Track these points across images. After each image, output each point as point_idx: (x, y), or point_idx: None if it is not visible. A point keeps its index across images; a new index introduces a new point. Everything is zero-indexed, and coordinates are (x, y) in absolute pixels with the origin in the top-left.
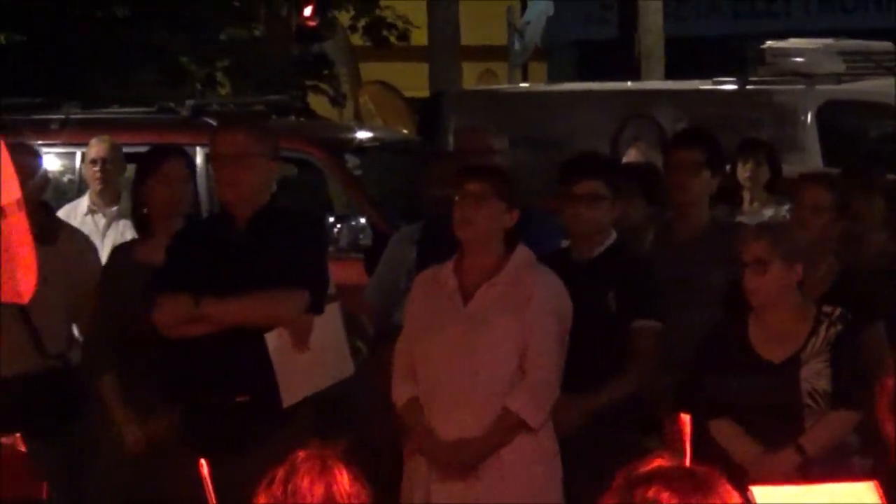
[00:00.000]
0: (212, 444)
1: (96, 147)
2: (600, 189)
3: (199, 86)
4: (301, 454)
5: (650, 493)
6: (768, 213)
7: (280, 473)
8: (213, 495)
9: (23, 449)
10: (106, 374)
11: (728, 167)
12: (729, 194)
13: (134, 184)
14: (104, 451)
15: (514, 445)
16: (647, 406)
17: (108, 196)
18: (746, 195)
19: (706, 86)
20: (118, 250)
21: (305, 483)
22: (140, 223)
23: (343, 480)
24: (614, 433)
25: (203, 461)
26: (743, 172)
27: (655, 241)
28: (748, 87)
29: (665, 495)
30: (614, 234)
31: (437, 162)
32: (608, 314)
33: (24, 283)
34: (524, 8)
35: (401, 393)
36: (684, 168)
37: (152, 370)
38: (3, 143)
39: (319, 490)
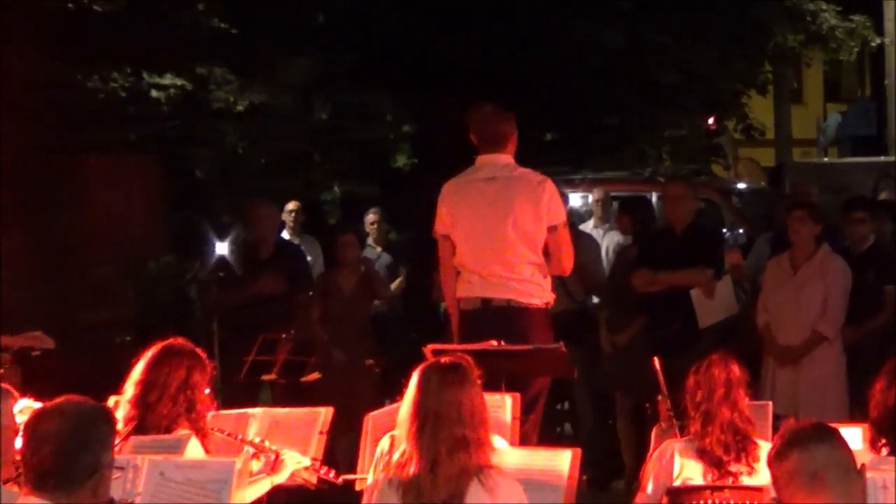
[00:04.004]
0: (660, 349)
1: (596, 193)
2: (865, 215)
3: (652, 160)
4: (714, 356)
5: None
6: None
7: (702, 366)
8: (662, 379)
9: (564, 349)
10: (603, 312)
11: None
12: None
13: (619, 216)
14: (601, 352)
15: (819, 349)
16: (893, 331)
17: (604, 218)
18: None
19: None
20: (620, 252)
21: (716, 371)
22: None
23: (735, 370)
24: (874, 346)
25: (656, 358)
26: None
27: None
28: None
29: None
30: (872, 238)
31: (780, 201)
32: (869, 281)
33: (567, 264)
34: (825, 117)
35: (761, 320)
36: None
37: (627, 309)
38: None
39: (723, 375)
